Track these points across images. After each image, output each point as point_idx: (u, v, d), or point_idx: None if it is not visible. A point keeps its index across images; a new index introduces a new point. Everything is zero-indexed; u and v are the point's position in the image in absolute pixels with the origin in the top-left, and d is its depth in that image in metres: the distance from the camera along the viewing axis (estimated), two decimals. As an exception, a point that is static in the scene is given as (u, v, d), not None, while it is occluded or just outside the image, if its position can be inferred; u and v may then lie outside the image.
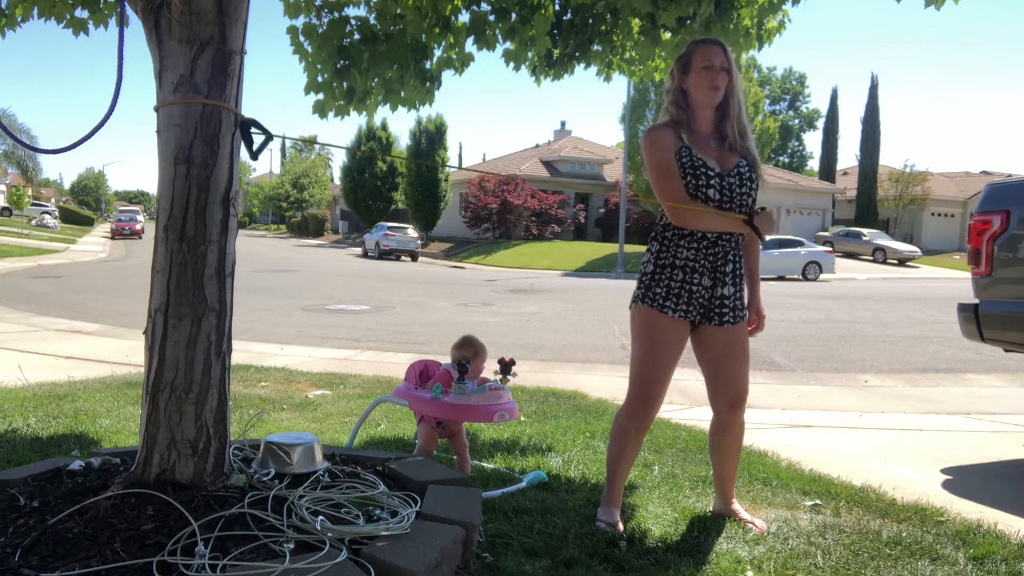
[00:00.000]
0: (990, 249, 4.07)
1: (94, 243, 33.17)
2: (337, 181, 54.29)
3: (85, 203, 78.97)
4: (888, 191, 40.21)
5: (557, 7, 3.71)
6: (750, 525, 2.74)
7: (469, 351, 3.28)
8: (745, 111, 2.72)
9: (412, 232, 31.99)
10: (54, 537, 2.05)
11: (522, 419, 4.45)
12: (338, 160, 78.66)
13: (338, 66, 3.57)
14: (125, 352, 6.87)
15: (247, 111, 2.53)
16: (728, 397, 2.76)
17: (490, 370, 3.38)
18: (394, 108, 3.83)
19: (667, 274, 2.66)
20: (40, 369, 5.93)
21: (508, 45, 3.76)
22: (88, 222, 56.27)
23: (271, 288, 14.74)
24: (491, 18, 3.63)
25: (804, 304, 14.28)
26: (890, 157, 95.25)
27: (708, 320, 2.69)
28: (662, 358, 2.68)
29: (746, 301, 2.81)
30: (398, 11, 3.56)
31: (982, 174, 45.74)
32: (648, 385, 2.68)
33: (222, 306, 2.43)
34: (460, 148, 71.03)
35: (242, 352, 6.19)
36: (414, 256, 30.97)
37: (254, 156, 2.54)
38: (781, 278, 23.41)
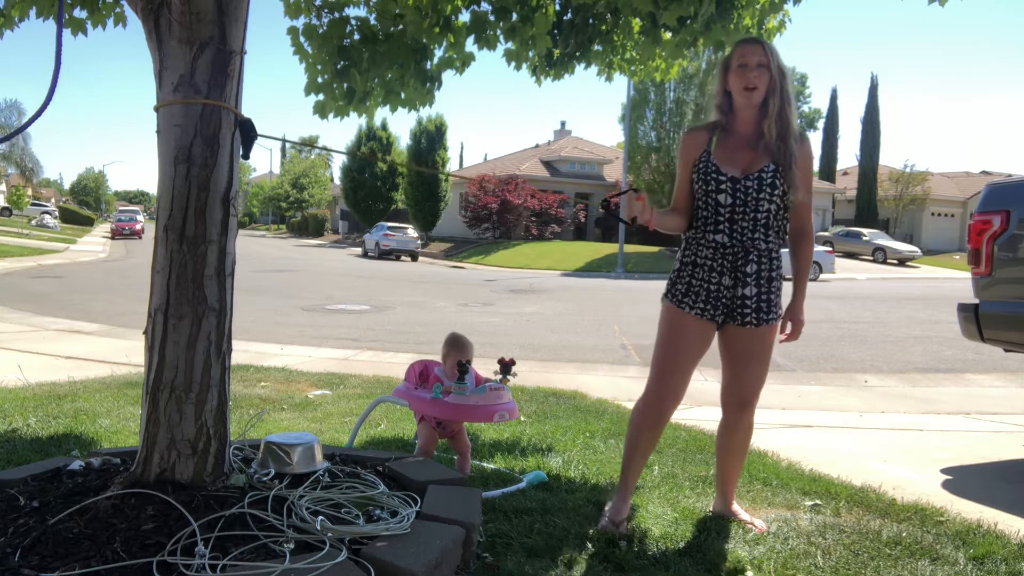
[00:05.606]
0: (990, 249, 4.07)
1: (94, 243, 33.16)
2: (337, 181, 54.32)
3: (85, 203, 78.87)
4: (888, 191, 40.21)
5: (558, 7, 3.70)
6: (750, 525, 2.74)
7: (458, 349, 3.30)
8: (788, 109, 2.60)
9: (412, 232, 31.98)
10: (54, 537, 2.05)
11: (522, 419, 4.45)
12: (338, 160, 78.54)
13: (338, 67, 3.56)
14: (125, 352, 6.87)
15: (247, 111, 2.53)
16: (738, 396, 2.78)
17: (490, 370, 3.38)
18: (394, 109, 3.82)
19: (688, 272, 2.70)
20: (40, 369, 5.92)
21: (509, 45, 3.75)
22: (88, 222, 56.26)
23: (271, 288, 14.73)
24: (491, 18, 3.62)
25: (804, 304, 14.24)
26: (890, 157, 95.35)
27: (732, 319, 2.70)
28: (678, 352, 2.70)
29: (782, 305, 2.75)
30: (398, 11, 3.56)
31: (982, 174, 45.73)
32: (663, 377, 2.72)
33: (222, 306, 2.43)
34: (461, 148, 71.18)
35: (242, 352, 6.19)
36: (414, 256, 30.96)
37: (245, 155, 2.54)
38: (781, 278, 23.37)
